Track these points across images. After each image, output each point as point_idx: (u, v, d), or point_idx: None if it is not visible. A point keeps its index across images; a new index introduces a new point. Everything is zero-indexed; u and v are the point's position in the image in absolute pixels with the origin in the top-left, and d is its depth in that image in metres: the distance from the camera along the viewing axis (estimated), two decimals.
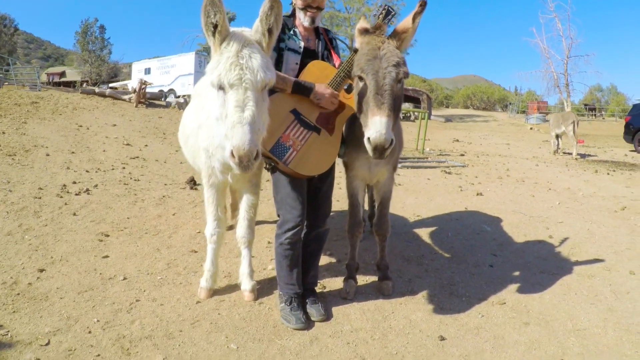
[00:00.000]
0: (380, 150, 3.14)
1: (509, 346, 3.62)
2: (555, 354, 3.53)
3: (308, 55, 3.94)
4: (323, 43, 4.09)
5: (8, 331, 3.39)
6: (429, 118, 22.64)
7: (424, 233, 6.49)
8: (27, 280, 4.22)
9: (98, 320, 3.64)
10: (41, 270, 4.44)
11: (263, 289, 4.40)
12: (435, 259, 5.47)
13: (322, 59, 4.03)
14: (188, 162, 4.92)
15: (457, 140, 22.11)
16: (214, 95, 3.10)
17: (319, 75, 3.77)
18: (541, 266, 5.35)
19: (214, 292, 4.26)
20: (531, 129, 32.44)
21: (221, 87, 2.98)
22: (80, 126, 13.41)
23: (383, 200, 4.44)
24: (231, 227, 5.61)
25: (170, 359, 3.23)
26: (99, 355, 3.20)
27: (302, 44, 3.91)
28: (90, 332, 3.48)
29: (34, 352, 3.16)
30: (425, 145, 16.95)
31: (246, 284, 4.25)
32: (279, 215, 3.94)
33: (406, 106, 34.64)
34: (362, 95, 3.37)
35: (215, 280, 4.30)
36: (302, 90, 3.68)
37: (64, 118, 14.35)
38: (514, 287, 4.74)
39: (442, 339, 3.67)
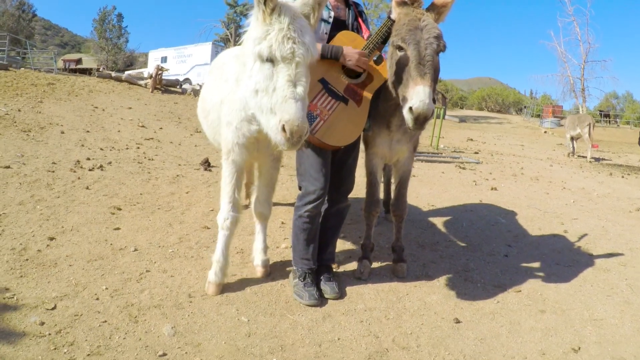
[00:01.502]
0: (422, 121, 3.05)
1: (525, 332, 3.54)
2: (572, 341, 3.45)
3: (337, 25, 3.85)
4: (353, 14, 4.00)
5: (14, 294, 3.36)
6: (443, 117, 22.45)
7: (438, 222, 6.39)
8: (37, 247, 4.18)
9: (107, 288, 3.60)
10: (51, 239, 4.39)
11: (275, 266, 4.34)
12: (449, 246, 5.37)
13: (352, 30, 3.94)
14: (208, 139, 4.74)
15: (471, 140, 21.90)
16: (256, 66, 2.99)
17: (348, 46, 3.68)
18: (556, 258, 5.25)
19: (223, 288, 3.83)
20: (545, 132, 32.08)
21: (270, 59, 2.89)
22: (96, 107, 13.37)
23: (402, 180, 4.36)
24: (246, 207, 5.54)
25: (178, 328, 3.17)
26: (105, 321, 3.16)
27: (332, 13, 3.83)
28: (98, 298, 3.44)
29: (39, 316, 3.13)
30: (440, 142, 16.81)
31: (259, 259, 4.18)
32: (300, 188, 3.87)
33: None
34: (401, 65, 3.27)
35: (225, 274, 3.83)
36: (331, 53, 3.58)
37: (80, 99, 14.31)
38: (529, 276, 4.65)
39: (458, 321, 3.60)
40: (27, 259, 3.93)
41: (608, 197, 9.55)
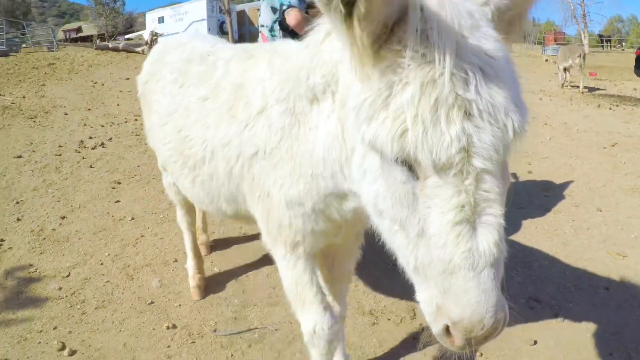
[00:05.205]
0: None
1: None
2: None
3: None
4: None
5: (37, 269, 4.18)
6: None
7: None
8: (52, 227, 4.98)
9: (109, 254, 4.42)
10: (63, 218, 5.20)
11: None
12: None
13: None
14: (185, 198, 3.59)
15: None
16: (372, 160, 1.41)
17: None
18: (512, 200, 5.73)
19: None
20: (546, 60, 31.70)
21: (406, 163, 1.25)
22: (96, 83, 14.06)
23: None
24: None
25: (164, 281, 4.01)
26: (108, 281, 3.99)
27: None
28: (102, 264, 4.26)
29: (57, 283, 3.94)
30: None
31: None
32: None
33: None
34: None
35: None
36: None
37: (80, 76, 14.96)
38: None
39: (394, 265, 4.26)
40: (44, 238, 4.74)
41: (588, 131, 9.84)
